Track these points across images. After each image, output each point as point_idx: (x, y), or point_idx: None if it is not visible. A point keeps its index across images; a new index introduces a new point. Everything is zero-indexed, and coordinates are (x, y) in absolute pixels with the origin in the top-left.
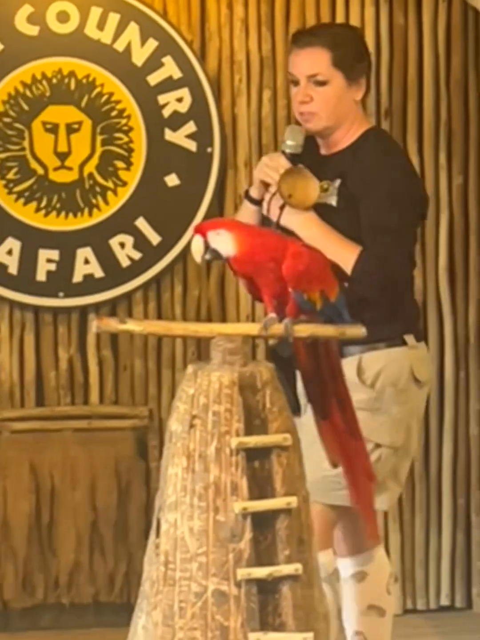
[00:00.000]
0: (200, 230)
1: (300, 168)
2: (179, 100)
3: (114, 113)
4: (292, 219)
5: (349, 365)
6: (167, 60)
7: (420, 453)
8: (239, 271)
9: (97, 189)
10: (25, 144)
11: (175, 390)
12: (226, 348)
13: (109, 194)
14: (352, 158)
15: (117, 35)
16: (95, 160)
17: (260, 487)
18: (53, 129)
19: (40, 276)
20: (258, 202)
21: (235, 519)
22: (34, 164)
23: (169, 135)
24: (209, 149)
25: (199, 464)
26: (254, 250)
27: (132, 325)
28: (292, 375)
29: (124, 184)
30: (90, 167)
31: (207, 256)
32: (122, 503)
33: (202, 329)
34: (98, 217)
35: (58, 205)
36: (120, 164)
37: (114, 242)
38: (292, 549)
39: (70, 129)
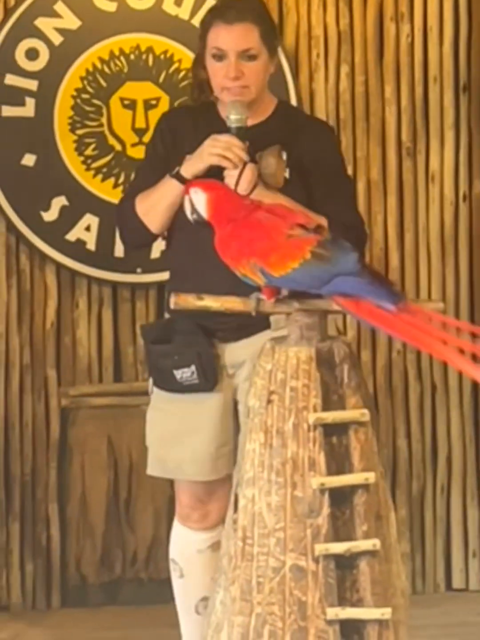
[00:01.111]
0: (186, 188)
1: (277, 148)
2: None
3: None
4: (263, 198)
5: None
6: None
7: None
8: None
9: None
10: (103, 120)
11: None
12: (304, 323)
13: None
14: (291, 131)
15: (194, 11)
16: None
17: (337, 462)
18: (131, 105)
19: (118, 252)
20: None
21: (313, 495)
22: (111, 140)
23: None
24: None
25: (277, 440)
26: (220, 214)
27: (209, 302)
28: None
29: None
30: None
31: (194, 216)
32: None
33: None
34: None
35: None
36: None
37: None
38: (370, 524)
39: (148, 105)
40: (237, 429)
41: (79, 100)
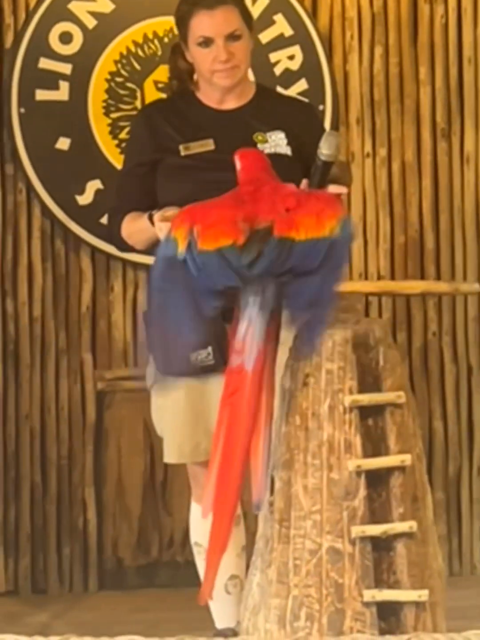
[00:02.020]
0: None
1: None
2: (291, 58)
3: None
4: None
5: None
6: (279, 18)
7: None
8: None
9: None
10: (137, 103)
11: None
12: (339, 306)
13: None
14: (283, 111)
15: None
16: None
17: (374, 444)
18: (165, 88)
19: None
20: None
21: (349, 477)
22: None
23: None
24: (320, 107)
25: (313, 422)
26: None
27: None
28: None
29: None
30: None
31: None
32: None
33: None
34: None
35: None
36: None
37: None
38: (407, 506)
39: None
40: None
41: (113, 84)
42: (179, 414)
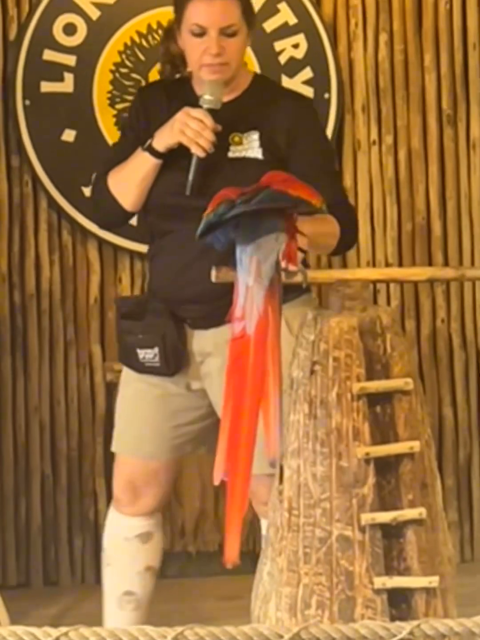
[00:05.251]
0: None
1: None
2: (295, 46)
3: None
4: None
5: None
6: (283, 6)
7: None
8: None
9: None
10: None
11: (297, 338)
12: (345, 293)
13: None
14: (264, 109)
15: None
16: None
17: (382, 432)
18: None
19: None
20: (161, 155)
21: (358, 464)
22: None
23: (285, 81)
24: (326, 95)
25: (321, 410)
26: None
27: None
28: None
29: None
30: None
31: None
32: None
33: (321, 275)
34: None
35: None
36: None
37: None
38: (416, 493)
39: None
40: (205, 416)
41: (117, 75)
42: (124, 407)
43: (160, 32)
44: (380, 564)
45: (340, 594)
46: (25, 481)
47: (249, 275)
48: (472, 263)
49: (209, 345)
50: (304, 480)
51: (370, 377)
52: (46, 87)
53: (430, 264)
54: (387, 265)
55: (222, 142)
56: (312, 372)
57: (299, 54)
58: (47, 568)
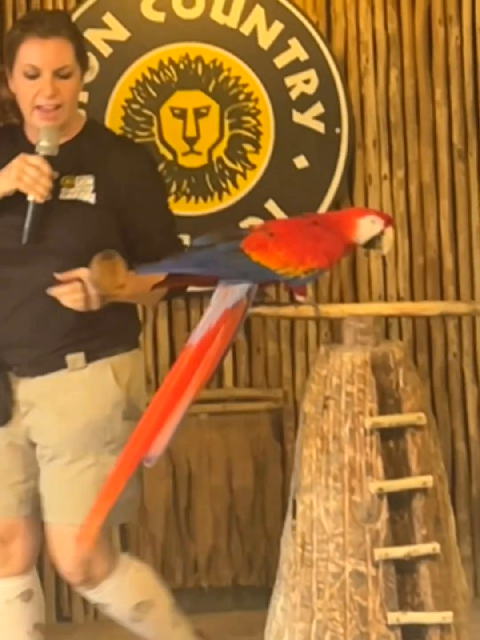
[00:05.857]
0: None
1: (112, 253)
2: (306, 82)
3: (241, 97)
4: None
5: (103, 369)
6: (293, 42)
7: None
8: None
9: (226, 173)
10: (154, 129)
11: (309, 372)
12: (357, 328)
13: (239, 177)
14: (100, 154)
15: (242, 19)
16: (223, 145)
17: (395, 466)
18: (181, 114)
19: None
20: None
21: (371, 499)
22: (162, 150)
23: (296, 117)
24: (337, 130)
25: (333, 445)
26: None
27: (262, 308)
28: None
29: (253, 167)
30: (219, 151)
31: None
32: (258, 485)
33: (333, 309)
34: (228, 201)
35: (188, 190)
36: (248, 147)
37: (244, 225)
38: (429, 528)
39: (198, 114)
40: (36, 472)
41: (129, 111)
42: None
43: (171, 68)
44: (394, 600)
45: (354, 629)
46: None
47: (217, 296)
48: None
49: (33, 394)
50: (317, 515)
51: (382, 411)
52: None
53: (442, 297)
54: (399, 299)
55: (53, 184)
56: (325, 406)
57: (310, 89)
58: (60, 604)
